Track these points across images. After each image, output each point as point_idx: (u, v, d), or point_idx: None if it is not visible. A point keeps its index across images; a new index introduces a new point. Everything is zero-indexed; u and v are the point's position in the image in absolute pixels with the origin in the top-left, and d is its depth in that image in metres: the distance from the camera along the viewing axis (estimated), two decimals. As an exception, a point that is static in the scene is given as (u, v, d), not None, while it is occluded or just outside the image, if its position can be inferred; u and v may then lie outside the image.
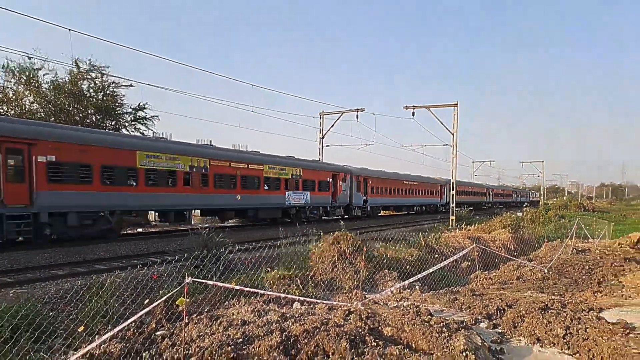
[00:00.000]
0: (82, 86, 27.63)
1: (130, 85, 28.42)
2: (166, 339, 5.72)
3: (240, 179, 22.80)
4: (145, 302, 6.14)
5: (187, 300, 6.42)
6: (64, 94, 26.16)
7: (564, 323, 6.11)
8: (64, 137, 15.80)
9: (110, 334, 5.21)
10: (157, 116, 30.94)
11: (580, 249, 15.26)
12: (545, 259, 13.23)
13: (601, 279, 10.55)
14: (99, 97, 28.27)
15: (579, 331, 5.85)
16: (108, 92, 28.67)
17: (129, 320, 5.32)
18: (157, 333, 6.05)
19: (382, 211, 41.68)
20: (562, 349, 5.71)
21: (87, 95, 27.73)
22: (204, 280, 6.03)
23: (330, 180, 30.68)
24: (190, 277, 5.70)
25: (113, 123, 28.97)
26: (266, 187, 24.81)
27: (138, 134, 29.22)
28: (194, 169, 20.19)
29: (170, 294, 6.01)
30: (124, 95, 29.39)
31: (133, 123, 30.19)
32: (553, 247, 15.33)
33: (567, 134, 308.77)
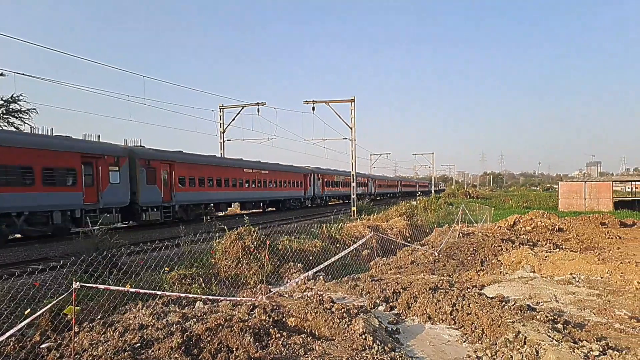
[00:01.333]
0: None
1: (1, 75, 25.00)
2: (53, 351, 5.24)
3: None
4: (26, 313, 5.53)
5: (77, 308, 5.93)
6: None
7: (451, 301, 6.78)
8: None
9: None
10: (34, 109, 27.65)
11: (466, 233, 16.97)
12: (436, 243, 14.49)
13: (483, 259, 11.85)
14: (-38, 88, 24.46)
15: (464, 307, 6.53)
16: None
17: (7, 334, 4.79)
18: (42, 346, 5.52)
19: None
20: (449, 325, 6.37)
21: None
22: (93, 285, 5.60)
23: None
24: (77, 282, 5.27)
25: None
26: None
27: (12, 128, 25.92)
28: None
29: (54, 301, 5.49)
30: None
31: (5, 117, 26.63)
32: (442, 231, 16.84)
33: (453, 126, 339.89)
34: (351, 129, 30.14)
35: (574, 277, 9.30)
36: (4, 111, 26.62)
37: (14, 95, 26.66)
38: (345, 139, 31.46)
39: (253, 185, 32.07)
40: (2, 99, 26.39)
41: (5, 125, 26.23)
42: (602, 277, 9.25)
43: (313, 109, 29.59)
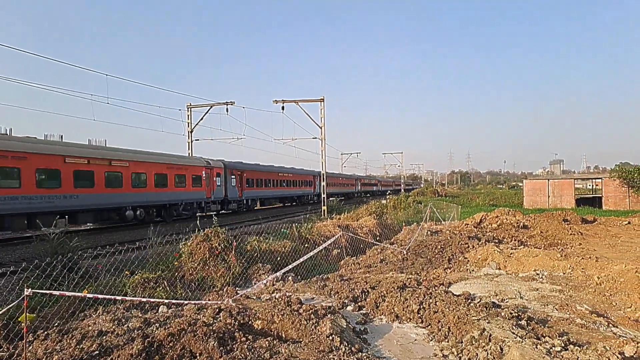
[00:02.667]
0: None
1: None
2: (2, 363, 4.93)
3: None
4: (-25, 322, 5.21)
5: (32, 315, 5.63)
6: None
7: (418, 299, 6.79)
8: None
9: None
10: None
11: (434, 231, 17.21)
12: (405, 241, 14.61)
13: (451, 257, 12.00)
14: None
15: (431, 305, 6.54)
16: None
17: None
18: (-7, 356, 5.19)
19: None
20: (417, 323, 6.38)
21: None
22: (47, 291, 5.33)
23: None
24: (30, 289, 4.99)
25: None
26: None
27: None
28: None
29: (4, 309, 5.19)
30: None
31: None
32: (411, 230, 17.02)
33: (421, 125, 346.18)
34: (321, 128, 30.10)
35: (537, 274, 9.54)
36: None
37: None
38: (315, 138, 31.41)
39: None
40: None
41: None
42: (564, 273, 9.53)
43: (282, 108, 29.35)
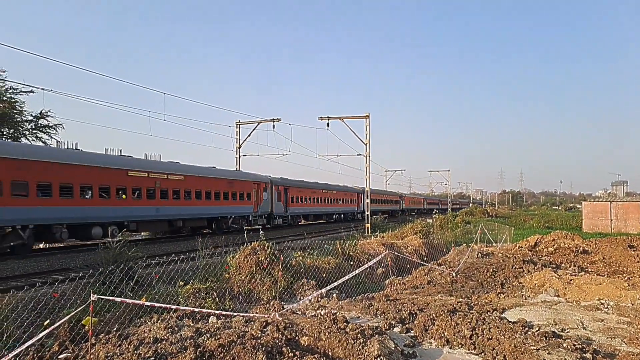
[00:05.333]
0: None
1: (31, 92, 25.98)
2: (69, 363, 5.25)
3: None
4: (45, 323, 5.59)
5: (94, 319, 5.95)
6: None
7: (470, 324, 6.51)
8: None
9: (5, 359, 4.67)
10: (61, 124, 28.58)
11: (484, 253, 16.54)
12: (454, 263, 14.14)
13: (504, 281, 11.47)
14: (-6, 104, 25.62)
15: (484, 331, 6.26)
16: (5, 98, 25.94)
17: (27, 344, 4.85)
18: (61, 356, 5.60)
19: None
20: (469, 349, 6.12)
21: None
22: (110, 297, 5.62)
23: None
24: (95, 295, 5.30)
25: (11, 132, 26.24)
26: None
27: (40, 143, 26.95)
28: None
29: (72, 313, 5.54)
30: (23, 102, 26.77)
31: (34, 132, 27.66)
32: (460, 251, 16.44)
33: (469, 142, 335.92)
34: (366, 145, 30.00)
35: (602, 303, 8.90)
36: (33, 126, 27.64)
37: (43, 111, 27.67)
38: (360, 155, 31.35)
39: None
40: (31, 115, 27.42)
41: (33, 140, 27.24)
42: (633, 304, 8.82)
43: (328, 125, 29.59)
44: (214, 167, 28.24)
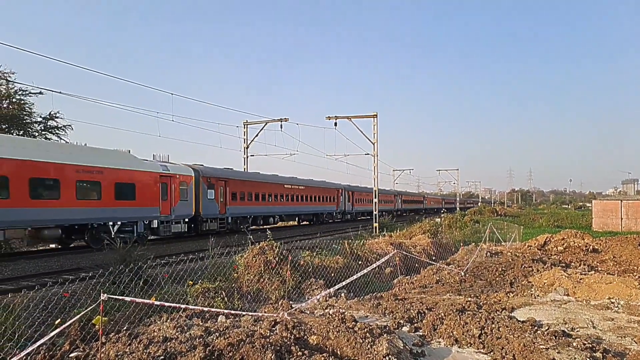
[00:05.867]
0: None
1: (40, 93, 26.31)
2: (80, 361, 5.31)
3: None
4: (56, 323, 5.67)
5: (104, 318, 6.02)
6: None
7: (479, 323, 6.49)
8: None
9: (16, 358, 4.74)
10: (70, 125, 28.89)
11: (493, 252, 16.44)
12: (462, 262, 14.08)
13: (513, 280, 11.39)
14: (4, 106, 25.83)
15: (493, 330, 6.23)
16: (14, 99, 26.26)
17: (38, 343, 4.92)
18: (71, 355, 5.66)
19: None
20: (478, 349, 6.09)
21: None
22: (120, 297, 5.68)
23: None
24: (105, 294, 5.36)
25: (21, 133, 26.58)
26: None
27: None
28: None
29: (83, 312, 5.61)
30: (32, 104, 27.09)
31: (43, 133, 28.00)
32: (469, 250, 16.37)
33: (479, 142, 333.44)
34: (373, 144, 29.93)
35: (612, 302, 8.81)
36: (42, 128, 27.99)
37: (52, 113, 28.01)
38: (368, 154, 31.27)
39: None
40: (40, 116, 27.78)
41: None
42: (642, 303, 8.72)
43: (335, 124, 29.52)
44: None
